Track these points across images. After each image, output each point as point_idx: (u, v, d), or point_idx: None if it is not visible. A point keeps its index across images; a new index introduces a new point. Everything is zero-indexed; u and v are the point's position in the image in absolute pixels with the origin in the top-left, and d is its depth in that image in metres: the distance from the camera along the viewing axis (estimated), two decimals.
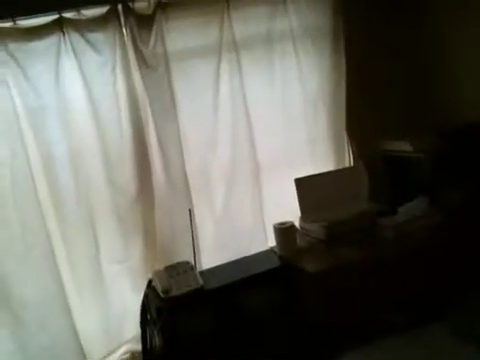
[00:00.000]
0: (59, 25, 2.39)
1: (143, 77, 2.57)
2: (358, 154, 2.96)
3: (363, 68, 2.95)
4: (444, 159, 2.62)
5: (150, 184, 2.62)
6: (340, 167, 2.97)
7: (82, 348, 2.55)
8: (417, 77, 3.09)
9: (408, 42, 3.07)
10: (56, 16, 2.38)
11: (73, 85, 2.48)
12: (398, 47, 3.05)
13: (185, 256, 2.52)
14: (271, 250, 2.62)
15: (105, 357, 2.62)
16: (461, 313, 2.36)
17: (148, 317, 2.41)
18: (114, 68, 2.52)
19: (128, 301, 2.59)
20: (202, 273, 2.47)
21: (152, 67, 2.59)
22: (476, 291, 2.37)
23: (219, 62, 2.72)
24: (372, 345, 2.26)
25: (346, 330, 2.25)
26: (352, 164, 3.00)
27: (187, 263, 2.44)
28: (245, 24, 2.74)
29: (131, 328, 2.58)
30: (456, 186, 2.57)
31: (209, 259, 2.67)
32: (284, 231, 2.53)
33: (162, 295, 2.28)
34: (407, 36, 3.05)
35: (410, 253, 2.38)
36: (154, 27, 2.57)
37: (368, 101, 2.96)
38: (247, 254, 2.60)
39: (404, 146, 2.72)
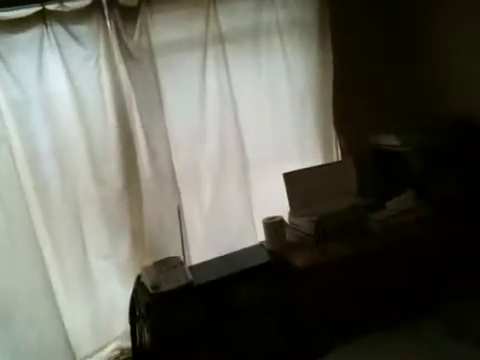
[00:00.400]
0: (42, 17, 2.35)
1: (128, 70, 2.54)
2: (346, 148, 2.97)
3: (350, 62, 2.94)
4: (432, 153, 2.63)
5: (137, 179, 2.60)
6: (328, 162, 2.97)
7: (71, 345, 2.52)
8: (405, 71, 3.10)
9: (396, 36, 3.07)
10: (39, 8, 2.33)
11: (57, 78, 2.44)
12: (386, 41, 3.05)
13: (174, 251, 2.51)
14: (260, 245, 2.62)
15: (94, 354, 2.60)
16: (454, 308, 2.37)
17: (137, 313, 2.39)
18: (98, 61, 2.49)
19: (117, 297, 2.57)
20: (191, 268, 2.45)
21: (137, 60, 2.56)
22: (468, 285, 2.39)
23: (205, 55, 2.70)
24: (362, 340, 2.27)
25: (336, 325, 2.27)
26: (340, 158, 3.01)
27: (176, 258, 2.43)
28: (231, 17, 2.72)
29: (120, 324, 2.56)
30: (444, 180, 2.60)
31: (198, 254, 2.66)
32: (273, 226, 2.53)
33: (151, 291, 2.26)
34: (395, 30, 3.06)
35: (399, 247, 2.40)
36: (139, 19, 2.53)
37: (356, 95, 2.95)
38: (236, 249, 2.58)
39: (392, 140, 2.73)
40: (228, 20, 2.71)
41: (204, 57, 2.70)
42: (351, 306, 2.31)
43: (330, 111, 2.97)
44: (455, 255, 2.41)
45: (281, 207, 2.69)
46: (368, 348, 2.24)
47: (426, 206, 2.53)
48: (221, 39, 2.71)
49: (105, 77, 2.50)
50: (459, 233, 2.45)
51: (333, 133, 3.01)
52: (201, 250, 2.70)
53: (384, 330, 2.29)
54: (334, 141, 3.01)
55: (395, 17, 3.06)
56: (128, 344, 2.49)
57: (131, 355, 2.48)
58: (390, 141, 2.74)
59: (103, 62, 2.49)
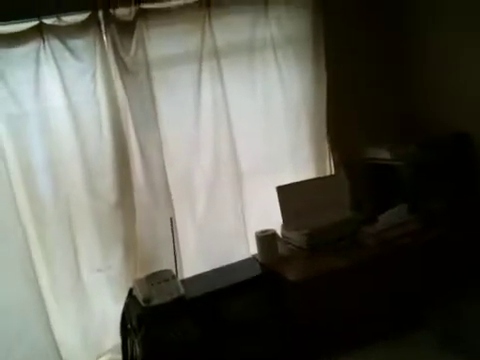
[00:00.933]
0: (39, 31, 2.37)
1: (124, 84, 2.56)
2: (339, 162, 2.99)
3: (344, 77, 2.98)
4: (424, 167, 2.65)
5: (131, 192, 2.60)
6: (321, 175, 2.99)
7: (61, 358, 2.50)
8: (398, 86, 3.13)
9: (389, 52, 3.11)
10: (36, 22, 2.36)
11: (53, 92, 2.46)
12: (379, 56, 3.09)
13: (167, 264, 2.51)
14: (253, 258, 2.61)
15: None
16: (446, 321, 2.37)
17: (129, 326, 2.38)
18: (94, 75, 2.51)
19: (108, 310, 2.57)
20: (184, 281, 2.44)
21: (133, 74, 2.58)
22: (460, 298, 2.39)
23: (200, 70, 2.72)
24: (355, 353, 2.26)
25: (329, 338, 2.25)
26: (333, 172, 3.02)
27: (169, 271, 2.42)
28: (226, 32, 2.75)
29: (111, 338, 2.55)
30: (435, 194, 2.61)
31: (191, 267, 2.65)
32: (266, 239, 2.53)
33: (143, 304, 2.25)
34: (388, 45, 3.10)
35: (392, 260, 2.40)
36: (135, 34, 2.56)
37: (349, 110, 2.99)
38: (229, 262, 2.58)
39: (384, 154, 2.75)
40: (223, 35, 2.74)
41: (199, 71, 2.73)
42: (343, 320, 2.30)
43: (324, 125, 2.99)
44: (447, 268, 2.41)
45: (274, 220, 2.70)
46: None
47: (418, 220, 2.53)
48: (216, 53, 2.74)
49: (101, 91, 2.53)
50: (451, 246, 2.45)
51: (326, 147, 3.02)
52: (193, 263, 2.70)
53: (376, 343, 2.29)
54: (327, 155, 3.03)
55: (390, 33, 3.09)
56: (119, 357, 2.46)
57: None
58: (383, 155, 2.76)
59: (99, 76, 2.52)
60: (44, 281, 2.49)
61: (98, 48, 2.50)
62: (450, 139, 2.74)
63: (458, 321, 2.33)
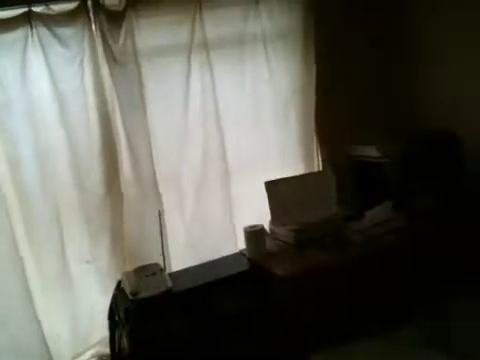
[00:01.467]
0: (27, 19, 2.33)
1: (112, 74, 2.54)
2: (327, 158, 3.02)
3: (333, 72, 3.00)
4: (410, 165, 2.69)
5: (118, 184, 2.59)
6: (309, 171, 3.01)
7: (49, 351, 2.50)
8: (386, 83, 3.16)
9: (379, 47, 3.13)
10: (25, 9, 2.32)
11: (40, 80, 2.43)
12: (369, 52, 3.10)
13: (155, 258, 2.50)
14: (241, 253, 2.63)
15: None
16: (433, 318, 2.40)
17: (116, 319, 2.38)
18: (82, 63, 2.48)
19: (96, 303, 2.56)
20: (171, 275, 2.44)
21: (121, 64, 2.56)
22: (443, 297, 2.42)
23: (190, 62, 2.71)
24: (339, 349, 2.29)
25: (314, 334, 2.29)
26: (321, 168, 3.05)
27: (157, 265, 2.42)
28: (217, 25, 2.73)
29: (99, 330, 2.55)
30: (421, 191, 2.66)
31: (179, 261, 2.65)
32: (254, 234, 2.53)
33: (130, 297, 2.25)
34: (378, 41, 3.11)
35: (377, 257, 2.43)
36: (124, 24, 2.53)
37: (337, 106, 3.01)
38: (217, 257, 2.60)
39: (372, 151, 2.78)
40: (214, 27, 2.72)
41: (189, 63, 2.71)
42: (329, 316, 2.34)
43: (312, 121, 3.01)
44: (432, 266, 2.47)
45: (262, 216, 2.71)
46: (345, 357, 2.28)
47: (403, 217, 2.58)
48: (206, 46, 2.72)
49: (88, 80, 2.50)
50: (437, 243, 2.50)
51: (315, 143, 3.05)
52: (182, 257, 2.70)
53: (361, 340, 2.32)
54: (316, 151, 3.05)
55: (380, 30, 3.10)
56: (107, 350, 2.47)
57: None
58: (370, 152, 2.79)
59: (87, 65, 2.49)
60: (31, 272, 2.47)
61: (86, 37, 2.46)
62: (437, 137, 2.78)
63: (445, 318, 2.37)
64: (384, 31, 3.12)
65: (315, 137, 3.04)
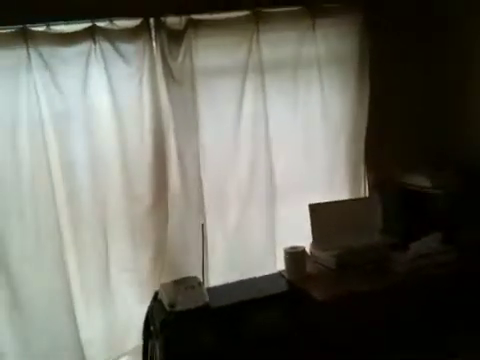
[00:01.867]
0: (91, 33, 2.44)
1: (169, 91, 2.60)
2: (374, 185, 2.97)
3: (386, 99, 2.97)
4: (462, 197, 2.61)
5: (166, 196, 2.64)
6: (355, 196, 2.97)
7: (83, 353, 2.54)
8: (441, 112, 3.09)
9: (433, 76, 3.07)
10: (89, 24, 2.43)
11: (100, 93, 2.52)
12: (423, 81, 3.06)
13: (194, 271, 2.52)
14: (280, 274, 2.61)
15: None
16: (472, 355, 2.32)
17: (151, 329, 2.40)
18: (141, 80, 2.56)
19: (133, 311, 2.59)
20: (209, 290, 2.45)
21: (178, 82, 2.63)
22: None
23: (244, 83, 2.75)
24: None
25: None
26: (367, 194, 3.00)
27: (195, 278, 2.44)
28: (273, 48, 2.77)
29: (133, 339, 2.57)
30: (472, 226, 2.56)
31: (217, 276, 2.67)
32: (294, 256, 2.52)
33: (167, 308, 2.27)
34: (432, 70, 3.07)
35: (420, 290, 2.36)
36: (184, 43, 2.60)
37: (389, 132, 2.97)
38: (255, 275, 2.59)
39: (421, 181, 2.71)
40: (270, 50, 2.76)
41: (243, 84, 2.75)
42: (366, 344, 2.27)
43: (362, 147, 2.98)
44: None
45: (304, 238, 2.69)
46: None
47: (451, 250, 2.49)
48: (261, 68, 2.76)
49: (146, 96, 2.57)
50: None
51: (363, 169, 3.01)
52: (220, 272, 2.71)
53: None
54: (363, 177, 3.01)
55: (435, 64, 3.06)
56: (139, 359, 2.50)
57: None
58: (419, 181, 2.73)
59: (146, 81, 2.56)
60: (74, 277, 2.54)
61: (147, 54, 2.54)
62: None
63: None
64: (439, 65, 3.07)
65: (363, 163, 3.00)
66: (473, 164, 2.81)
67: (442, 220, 2.63)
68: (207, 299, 2.33)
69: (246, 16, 2.68)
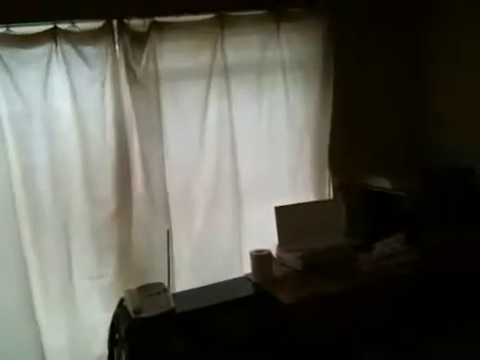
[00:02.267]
0: (52, 35, 2.38)
1: (132, 95, 2.57)
2: (339, 187, 3.00)
3: (350, 103, 3.02)
4: (425, 199, 2.67)
5: (129, 201, 2.60)
6: (320, 199, 3.00)
7: None
8: (404, 116, 3.18)
9: (397, 81, 3.15)
10: (50, 26, 2.38)
11: (61, 96, 2.47)
12: (386, 85, 3.12)
13: (159, 277, 2.49)
14: (246, 277, 2.61)
15: None
16: (440, 351, 2.38)
17: (116, 337, 2.36)
18: (104, 83, 2.52)
19: (98, 319, 2.53)
20: (175, 295, 2.42)
21: (142, 85, 2.60)
22: (451, 330, 2.40)
23: (209, 87, 2.74)
24: None
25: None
26: (332, 197, 3.03)
27: (161, 284, 2.41)
28: (237, 51, 2.77)
29: (98, 347, 2.51)
30: (434, 227, 2.62)
31: (183, 282, 2.64)
32: (260, 259, 2.52)
33: (132, 315, 2.23)
34: (396, 75, 3.14)
35: (384, 289, 2.40)
36: (147, 46, 2.57)
37: (353, 136, 3.02)
38: (222, 279, 2.58)
39: (385, 183, 2.77)
40: (234, 54, 2.76)
41: (208, 88, 2.74)
42: (332, 344, 2.29)
43: (326, 150, 3.02)
44: (441, 301, 2.42)
45: (270, 241, 2.70)
46: None
47: (413, 250, 2.54)
48: (226, 72, 2.76)
49: (109, 99, 2.53)
50: (447, 278, 2.46)
51: (327, 172, 3.04)
52: (186, 278, 2.68)
53: None
54: (328, 179, 3.05)
55: (400, 66, 3.14)
56: None
57: None
58: (383, 184, 2.78)
59: (108, 84, 2.52)
60: (34, 280, 2.47)
61: (109, 56, 2.50)
62: (453, 172, 2.76)
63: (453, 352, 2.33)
64: (404, 66, 3.17)
65: (328, 166, 3.04)
66: (435, 166, 2.91)
67: (405, 221, 2.68)
68: (173, 304, 2.30)
69: (210, 19, 2.67)
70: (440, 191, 2.69)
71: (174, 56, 2.66)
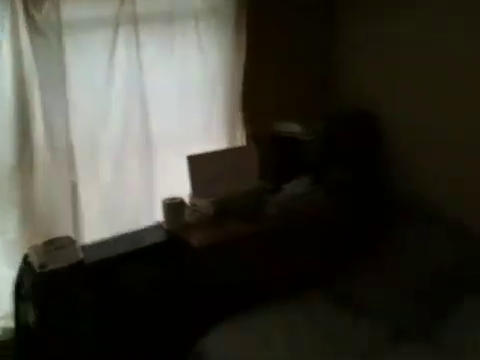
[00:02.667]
0: None
1: (33, 45, 2.41)
2: (251, 134, 3.01)
3: (263, 52, 3.01)
4: (329, 142, 2.76)
5: (30, 154, 2.46)
6: (233, 146, 3.00)
7: None
8: (313, 63, 3.23)
9: (308, 28, 3.18)
10: None
11: None
12: (299, 32, 3.14)
13: (68, 231, 2.43)
14: (158, 224, 2.58)
15: None
16: (343, 282, 2.51)
17: (22, 293, 2.28)
18: (1, 31, 2.35)
19: (2, 276, 2.43)
20: (84, 247, 2.36)
21: (43, 35, 2.43)
22: (355, 261, 2.54)
23: (116, 35, 2.61)
24: (254, 312, 2.33)
25: (229, 301, 2.28)
26: (245, 143, 3.04)
27: (68, 238, 2.34)
28: None
29: (4, 304, 2.42)
30: (339, 168, 2.71)
31: (93, 234, 2.56)
32: (172, 206, 2.51)
33: (38, 270, 2.16)
34: (307, 25, 3.16)
35: (293, 228, 2.47)
36: None
37: (265, 84, 3.03)
38: (134, 228, 2.54)
39: (294, 128, 2.82)
40: (144, 1, 2.64)
41: (115, 36, 2.61)
42: (245, 283, 2.34)
43: (239, 97, 2.99)
44: (346, 237, 2.53)
45: (184, 189, 2.67)
46: (258, 319, 2.32)
47: (320, 190, 2.62)
48: (135, 19, 2.63)
49: (7, 50, 2.37)
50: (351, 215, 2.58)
51: (240, 119, 3.03)
52: (96, 229, 2.60)
53: (275, 303, 2.38)
54: (241, 126, 3.04)
55: (311, 9, 3.15)
56: (11, 324, 2.37)
57: (14, 335, 2.36)
58: (292, 129, 2.83)
59: (6, 33, 2.35)
60: None
61: (8, 5, 2.32)
62: (357, 116, 2.85)
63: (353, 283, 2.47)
64: (316, 13, 3.19)
65: (240, 113, 3.02)
66: (340, 113, 3.03)
67: (312, 164, 2.77)
68: (81, 256, 2.25)
69: None
70: (344, 135, 2.76)
71: (78, 4, 2.51)
